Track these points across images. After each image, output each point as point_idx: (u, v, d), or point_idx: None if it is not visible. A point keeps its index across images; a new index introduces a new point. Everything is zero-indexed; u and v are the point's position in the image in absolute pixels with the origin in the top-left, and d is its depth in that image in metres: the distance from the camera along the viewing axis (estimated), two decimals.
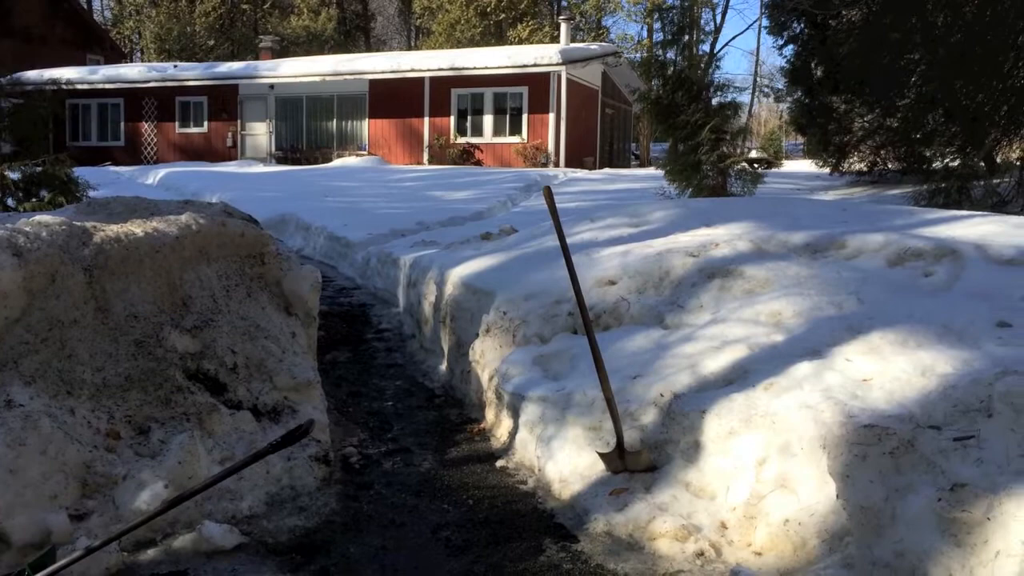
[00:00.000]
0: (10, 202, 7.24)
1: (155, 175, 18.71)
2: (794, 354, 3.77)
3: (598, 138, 26.53)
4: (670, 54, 9.23)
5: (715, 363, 3.89)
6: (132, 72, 26.88)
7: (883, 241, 4.74)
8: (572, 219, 6.75)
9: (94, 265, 4.01)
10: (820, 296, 4.20)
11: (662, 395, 3.80)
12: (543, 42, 32.09)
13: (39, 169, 7.34)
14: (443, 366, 5.74)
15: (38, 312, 3.75)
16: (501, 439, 4.48)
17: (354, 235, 9.93)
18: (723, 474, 3.46)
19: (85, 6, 38.80)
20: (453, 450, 4.47)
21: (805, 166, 21.31)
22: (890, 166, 16.36)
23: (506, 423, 4.48)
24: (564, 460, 3.89)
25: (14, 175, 7.31)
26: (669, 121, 8.90)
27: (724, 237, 5.05)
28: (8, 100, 7.73)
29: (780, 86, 24.36)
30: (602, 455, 3.72)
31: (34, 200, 7.23)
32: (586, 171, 21.36)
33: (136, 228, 4.33)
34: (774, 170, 19.59)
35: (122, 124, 26.75)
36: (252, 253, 4.88)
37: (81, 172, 19.34)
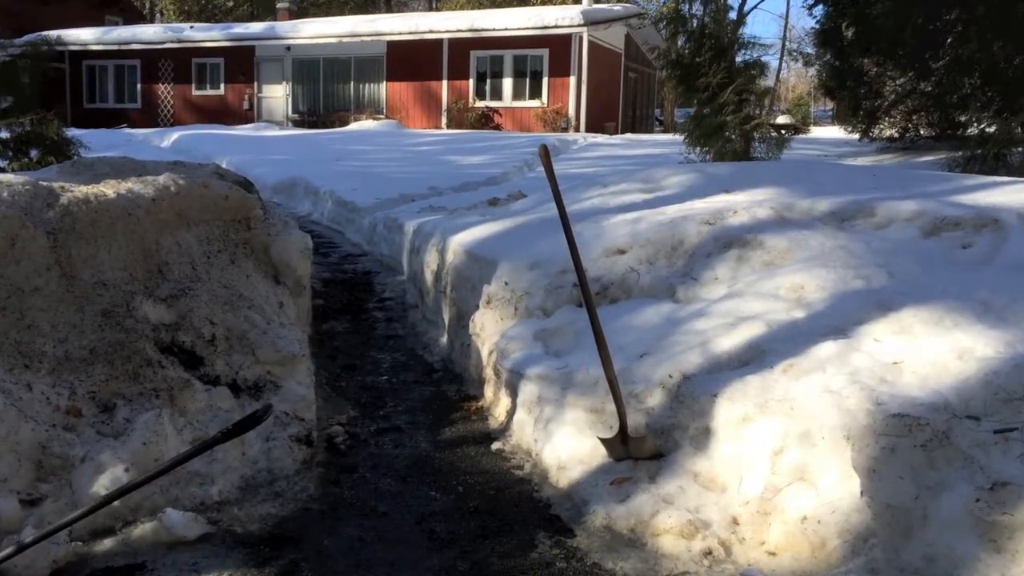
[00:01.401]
0: (0, 163, 7.01)
1: (169, 138, 18.47)
2: (816, 333, 3.44)
3: (620, 103, 25.94)
4: (694, 8, 8.73)
5: (729, 341, 3.56)
6: (148, 33, 26.57)
7: (917, 209, 4.37)
8: (582, 185, 6.40)
9: (59, 228, 3.73)
10: (846, 269, 3.85)
11: (670, 376, 3.49)
12: (566, 3, 31.36)
13: (28, 128, 7.08)
14: (444, 339, 5.45)
15: None
16: (499, 419, 4.19)
17: (362, 200, 9.62)
18: (736, 464, 3.16)
19: None
20: (447, 430, 4.18)
21: (834, 132, 20.70)
22: (923, 132, 15.76)
23: (504, 402, 4.19)
24: (563, 444, 3.59)
25: (3, 134, 7.05)
26: (690, 82, 8.44)
27: (743, 204, 4.69)
28: None
29: (810, 50, 23.56)
30: (604, 440, 3.41)
31: (24, 159, 6.99)
32: (607, 136, 20.89)
33: (108, 189, 4.04)
34: (801, 136, 19.02)
35: (139, 86, 26.49)
36: (237, 217, 4.59)
37: (95, 134, 19.17)
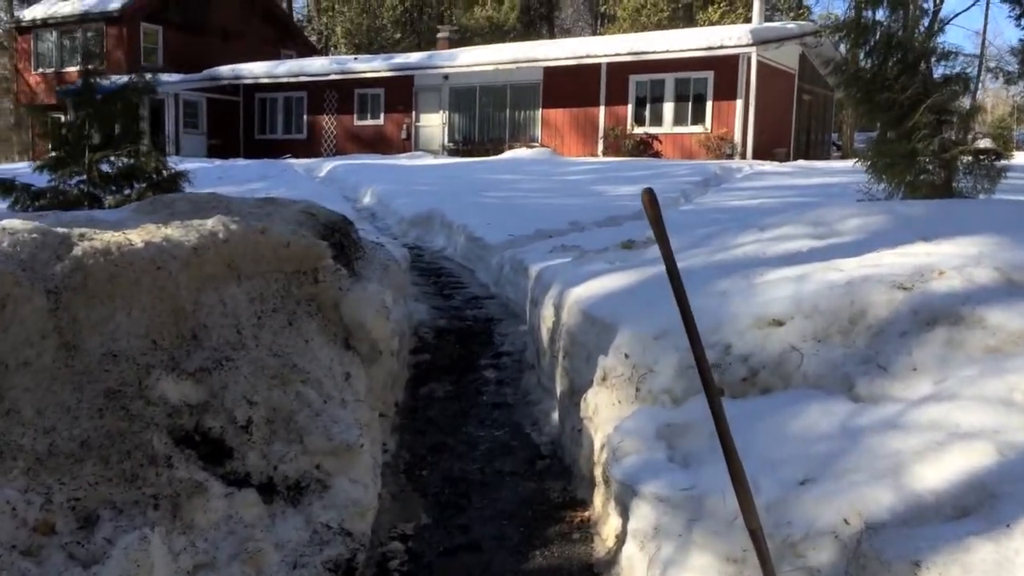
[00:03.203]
0: (107, 197, 6.72)
1: (325, 168, 18.51)
2: None
3: (793, 127, 24.09)
4: (878, 15, 7.34)
5: (937, 473, 2.41)
6: (315, 65, 27.21)
7: None
8: (735, 227, 5.27)
9: (65, 286, 3.06)
10: None
11: (847, 522, 2.37)
12: (735, 23, 29.78)
13: (131, 161, 6.77)
14: (556, 414, 4.48)
15: None
16: (606, 543, 3.18)
17: (493, 236, 8.80)
18: None
19: (285, 6, 40.24)
20: (539, 553, 3.20)
21: None
22: None
23: (614, 521, 3.17)
24: None
25: (105, 167, 6.77)
26: (872, 99, 7.04)
27: (952, 260, 3.45)
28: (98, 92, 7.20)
29: (1011, 68, 20.92)
30: None
31: (126, 193, 6.68)
32: (776, 164, 19.26)
33: (136, 237, 3.36)
34: (1003, 162, 16.69)
35: (305, 117, 27.12)
36: (302, 268, 3.83)
37: (256, 165, 19.55)
